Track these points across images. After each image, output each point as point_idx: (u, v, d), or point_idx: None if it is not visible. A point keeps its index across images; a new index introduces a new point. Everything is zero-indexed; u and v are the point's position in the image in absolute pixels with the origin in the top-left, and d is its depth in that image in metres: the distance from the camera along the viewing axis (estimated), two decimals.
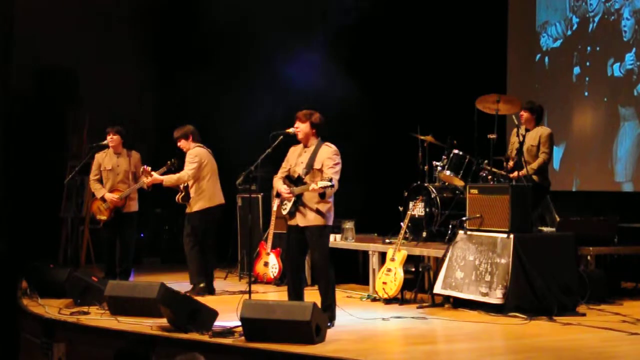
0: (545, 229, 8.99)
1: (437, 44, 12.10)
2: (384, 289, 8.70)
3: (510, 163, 8.86)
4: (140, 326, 7.26)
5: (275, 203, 9.18)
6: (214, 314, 7.08)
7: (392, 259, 8.73)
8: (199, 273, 9.25)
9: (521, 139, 8.74)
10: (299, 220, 7.28)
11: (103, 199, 9.66)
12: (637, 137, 10.59)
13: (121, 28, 13.11)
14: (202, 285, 9.19)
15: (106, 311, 7.87)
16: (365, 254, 9.86)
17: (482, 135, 8.88)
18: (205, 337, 6.78)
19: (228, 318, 7.15)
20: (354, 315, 7.78)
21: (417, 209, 9.62)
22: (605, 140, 10.96)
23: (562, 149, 11.37)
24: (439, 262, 8.63)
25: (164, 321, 7.22)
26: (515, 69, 12.14)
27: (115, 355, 5.18)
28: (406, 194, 9.87)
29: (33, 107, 12.13)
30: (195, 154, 9.26)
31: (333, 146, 7.33)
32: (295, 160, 7.41)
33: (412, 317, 7.89)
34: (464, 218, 8.50)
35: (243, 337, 6.65)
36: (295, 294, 7.36)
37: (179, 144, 9.38)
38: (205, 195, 9.26)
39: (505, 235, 8.03)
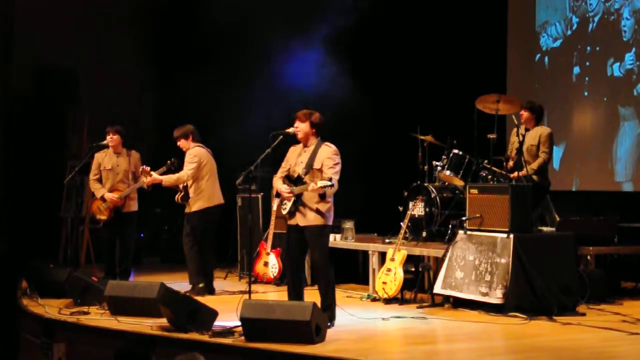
0: (545, 228, 8.98)
1: (437, 43, 12.09)
2: (383, 288, 8.70)
3: (510, 163, 8.86)
4: (140, 326, 7.26)
5: (275, 203, 9.15)
6: (213, 314, 7.08)
7: (392, 259, 8.73)
8: (198, 273, 9.24)
9: (521, 138, 8.73)
10: (299, 220, 7.28)
11: (103, 199, 9.66)
12: (637, 137, 10.58)
13: (121, 28, 13.10)
14: (201, 285, 9.18)
15: (106, 311, 7.86)
16: (365, 254, 9.85)
17: (482, 135, 8.88)
18: (205, 337, 6.78)
19: (228, 318, 7.15)
20: (354, 315, 7.78)
21: (417, 208, 9.62)
22: (605, 140, 10.96)
23: (562, 148, 11.36)
24: (439, 262, 8.63)
25: (164, 321, 7.22)
26: (515, 68, 12.14)
27: (115, 355, 5.17)
28: (406, 193, 9.86)
29: (33, 107, 12.12)
30: (195, 153, 9.25)
31: (333, 146, 7.33)
32: (295, 160, 7.40)
33: (412, 317, 7.89)
34: (463, 218, 8.49)
35: (243, 337, 6.64)
36: (295, 293, 7.35)
37: (178, 143, 9.38)
38: (205, 195, 9.25)
39: (505, 235, 8.03)
